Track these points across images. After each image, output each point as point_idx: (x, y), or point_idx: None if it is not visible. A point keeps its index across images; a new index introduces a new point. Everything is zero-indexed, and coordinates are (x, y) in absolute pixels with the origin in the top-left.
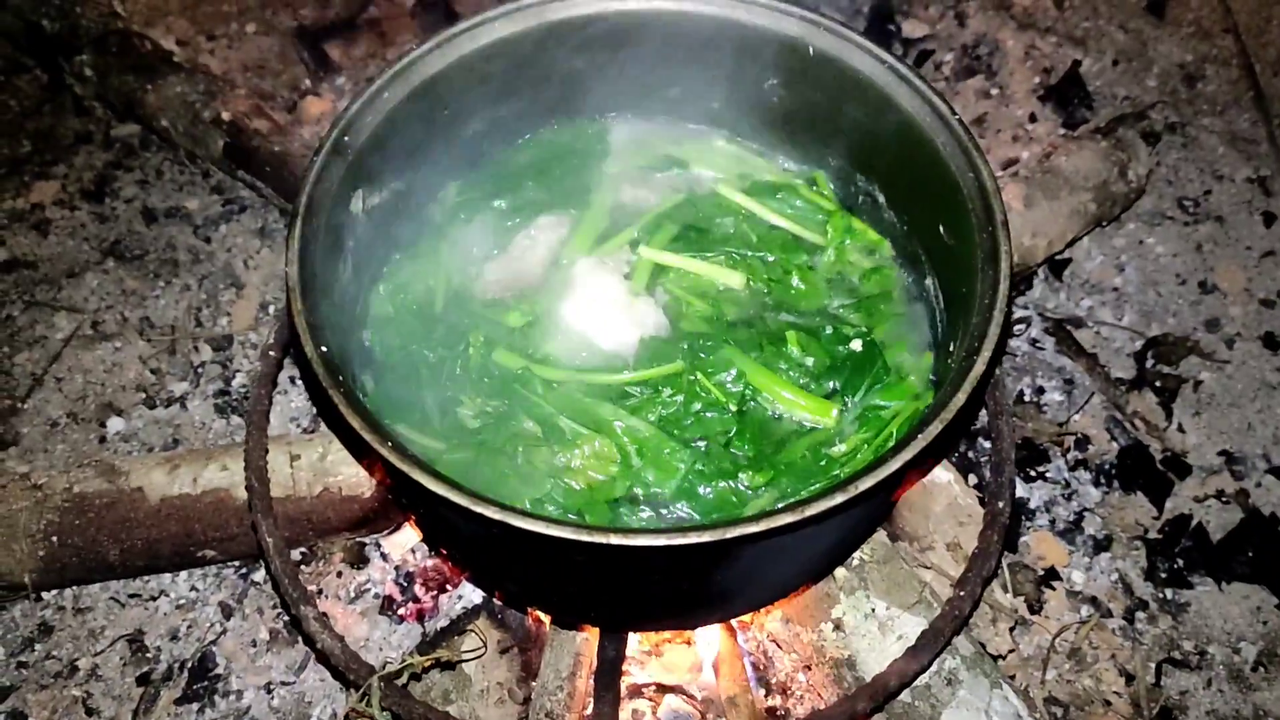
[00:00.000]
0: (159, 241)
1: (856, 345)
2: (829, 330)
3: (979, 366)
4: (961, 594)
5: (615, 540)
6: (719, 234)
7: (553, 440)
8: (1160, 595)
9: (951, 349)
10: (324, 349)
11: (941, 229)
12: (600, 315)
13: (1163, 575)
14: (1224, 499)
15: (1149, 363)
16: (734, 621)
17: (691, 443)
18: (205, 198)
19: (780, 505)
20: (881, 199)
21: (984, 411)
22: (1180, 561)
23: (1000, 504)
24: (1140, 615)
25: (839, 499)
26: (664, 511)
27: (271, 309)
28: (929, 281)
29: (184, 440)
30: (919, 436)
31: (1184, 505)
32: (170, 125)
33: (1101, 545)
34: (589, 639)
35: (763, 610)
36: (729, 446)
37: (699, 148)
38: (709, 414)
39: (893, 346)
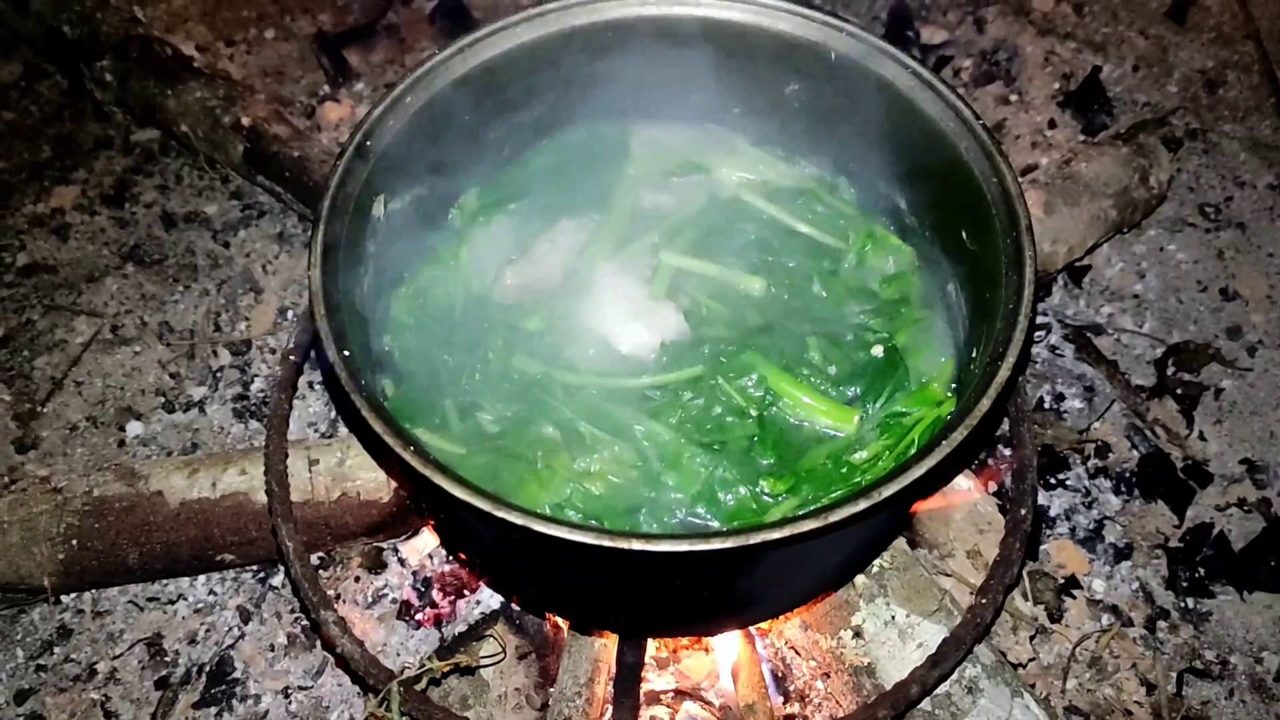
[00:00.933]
0: (178, 246)
1: (878, 351)
2: (850, 336)
3: (1003, 373)
4: (983, 601)
5: (637, 546)
6: (740, 239)
7: (572, 445)
8: (1182, 604)
9: (974, 355)
10: (346, 353)
11: (964, 234)
12: (620, 320)
13: (1184, 584)
14: (1246, 507)
15: (1170, 370)
16: (752, 628)
17: (712, 448)
18: (224, 203)
19: (802, 512)
20: (903, 204)
21: (1004, 418)
22: (1202, 570)
23: (1022, 511)
24: (1161, 624)
25: (862, 505)
26: (684, 517)
27: (290, 314)
28: (951, 287)
29: (203, 445)
30: (943, 443)
31: (1205, 514)
32: (190, 131)
33: (1122, 554)
34: (607, 645)
35: (782, 617)
36: (750, 452)
37: (720, 152)
38: (729, 419)
39: (915, 353)
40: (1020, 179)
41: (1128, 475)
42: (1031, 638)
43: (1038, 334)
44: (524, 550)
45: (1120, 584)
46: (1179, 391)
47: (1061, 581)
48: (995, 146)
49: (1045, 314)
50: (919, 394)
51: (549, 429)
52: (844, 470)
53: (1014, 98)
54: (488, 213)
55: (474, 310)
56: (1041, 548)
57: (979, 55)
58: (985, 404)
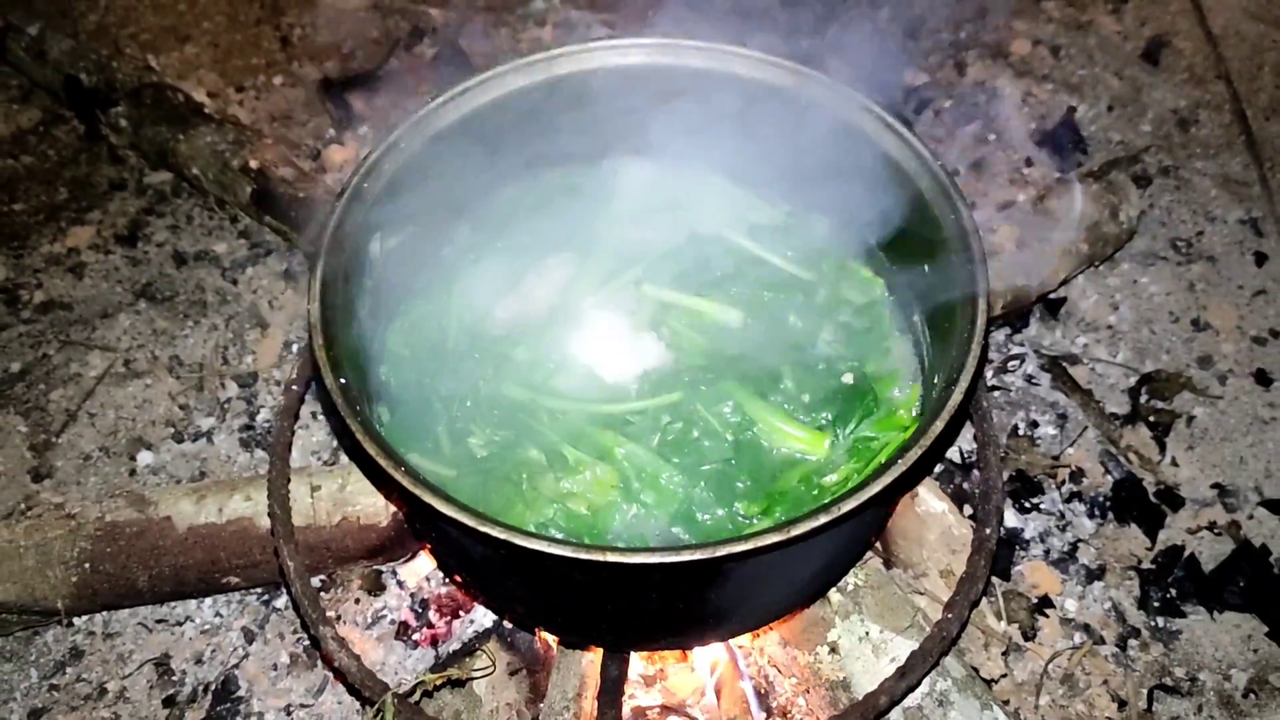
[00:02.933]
0: (188, 283)
1: (849, 379)
2: (822, 365)
3: (955, 397)
4: (949, 616)
5: (612, 558)
6: (719, 273)
7: (556, 467)
8: (1153, 623)
9: (935, 382)
10: (343, 381)
11: (926, 268)
12: (604, 349)
13: (1155, 604)
14: (1216, 530)
15: (1143, 398)
16: (735, 646)
17: (690, 470)
18: (233, 242)
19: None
20: (872, 239)
21: (974, 443)
22: (1173, 591)
23: (987, 530)
24: (1133, 643)
25: (822, 520)
26: (662, 536)
27: (295, 347)
28: (917, 318)
29: (210, 473)
30: (898, 462)
31: (1177, 536)
32: (200, 173)
33: (1095, 575)
34: (594, 661)
35: (760, 633)
36: (726, 475)
37: (701, 191)
38: (707, 443)
39: (883, 380)
40: (995, 215)
41: (1101, 499)
42: (1005, 654)
43: (1013, 363)
44: (510, 565)
45: (1093, 604)
46: (1152, 419)
47: (1035, 601)
48: (952, 185)
49: (1022, 344)
50: (886, 420)
51: (534, 452)
52: (815, 492)
53: (992, 137)
54: (479, 250)
55: (465, 341)
56: (1015, 569)
57: (959, 96)
58: (939, 426)
